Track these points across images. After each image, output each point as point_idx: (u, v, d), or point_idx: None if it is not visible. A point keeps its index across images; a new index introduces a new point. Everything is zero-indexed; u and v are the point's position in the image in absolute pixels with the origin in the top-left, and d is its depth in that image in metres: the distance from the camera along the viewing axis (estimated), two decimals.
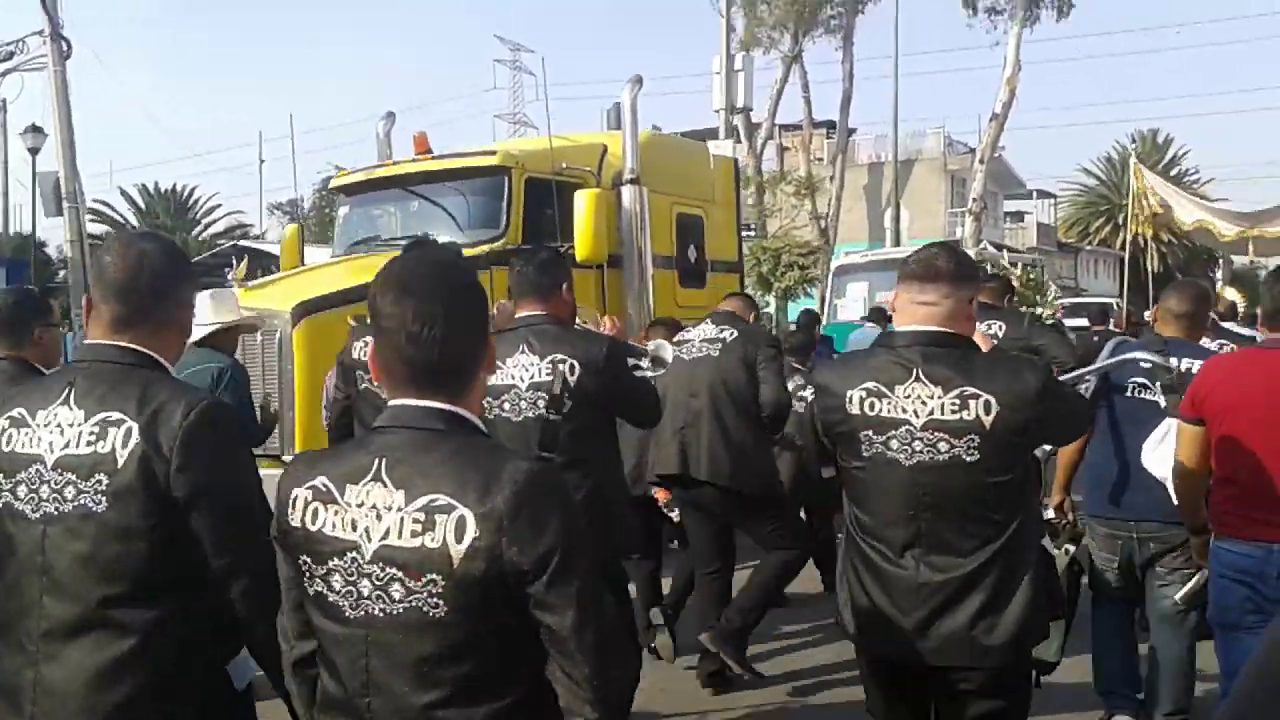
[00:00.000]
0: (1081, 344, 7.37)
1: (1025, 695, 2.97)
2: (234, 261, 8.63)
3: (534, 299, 3.72)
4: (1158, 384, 3.99)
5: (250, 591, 2.06)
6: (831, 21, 32.32)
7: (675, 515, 5.54)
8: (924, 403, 2.75)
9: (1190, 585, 3.93)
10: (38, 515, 2.05)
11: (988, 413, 2.70)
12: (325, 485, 1.75)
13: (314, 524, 1.75)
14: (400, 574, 1.68)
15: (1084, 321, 16.99)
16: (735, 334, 5.06)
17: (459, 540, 1.65)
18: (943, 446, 2.73)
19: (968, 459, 2.72)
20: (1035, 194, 46.98)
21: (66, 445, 2.04)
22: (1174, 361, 3.99)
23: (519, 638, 1.71)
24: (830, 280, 16.48)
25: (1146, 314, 14.81)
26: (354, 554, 1.71)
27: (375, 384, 4.14)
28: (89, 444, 2.02)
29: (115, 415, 2.03)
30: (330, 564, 1.73)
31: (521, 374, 3.59)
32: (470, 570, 1.65)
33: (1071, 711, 4.51)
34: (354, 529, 1.71)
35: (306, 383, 6.38)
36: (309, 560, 1.77)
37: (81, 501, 2.02)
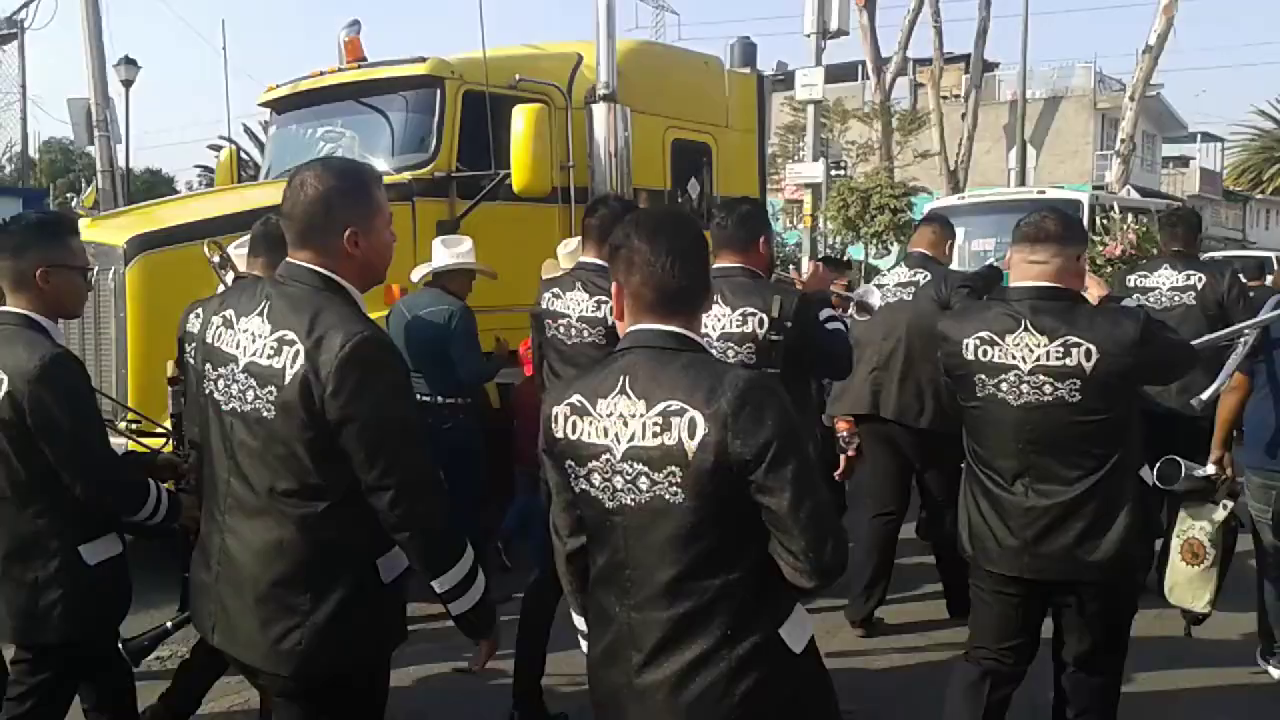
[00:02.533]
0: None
1: (1130, 610, 3.33)
2: (84, 185, 7.64)
3: (731, 251, 3.77)
4: None
5: (393, 503, 2.27)
6: None
7: (851, 450, 5.53)
8: (1031, 350, 3.05)
9: None
10: (228, 409, 2.36)
11: (1089, 359, 2.99)
12: (580, 401, 2.12)
13: (574, 434, 2.13)
14: (645, 468, 2.02)
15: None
16: (928, 276, 5.13)
17: (691, 437, 1.97)
18: (1047, 389, 3.04)
19: (1070, 400, 3.02)
20: (1200, 137, 42.94)
21: (256, 353, 2.30)
22: None
23: (745, 520, 2.01)
24: None
25: None
26: (607, 456, 2.07)
27: (560, 332, 4.20)
28: (269, 357, 2.28)
29: (290, 335, 2.27)
30: (590, 465, 2.11)
31: (714, 324, 3.66)
32: (703, 461, 1.96)
33: (1221, 666, 4.63)
34: (606, 435, 2.07)
35: (141, 334, 5.30)
36: (573, 464, 2.15)
37: (256, 406, 2.29)
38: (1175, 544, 4.10)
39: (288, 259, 2.39)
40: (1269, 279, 16.80)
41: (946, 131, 30.00)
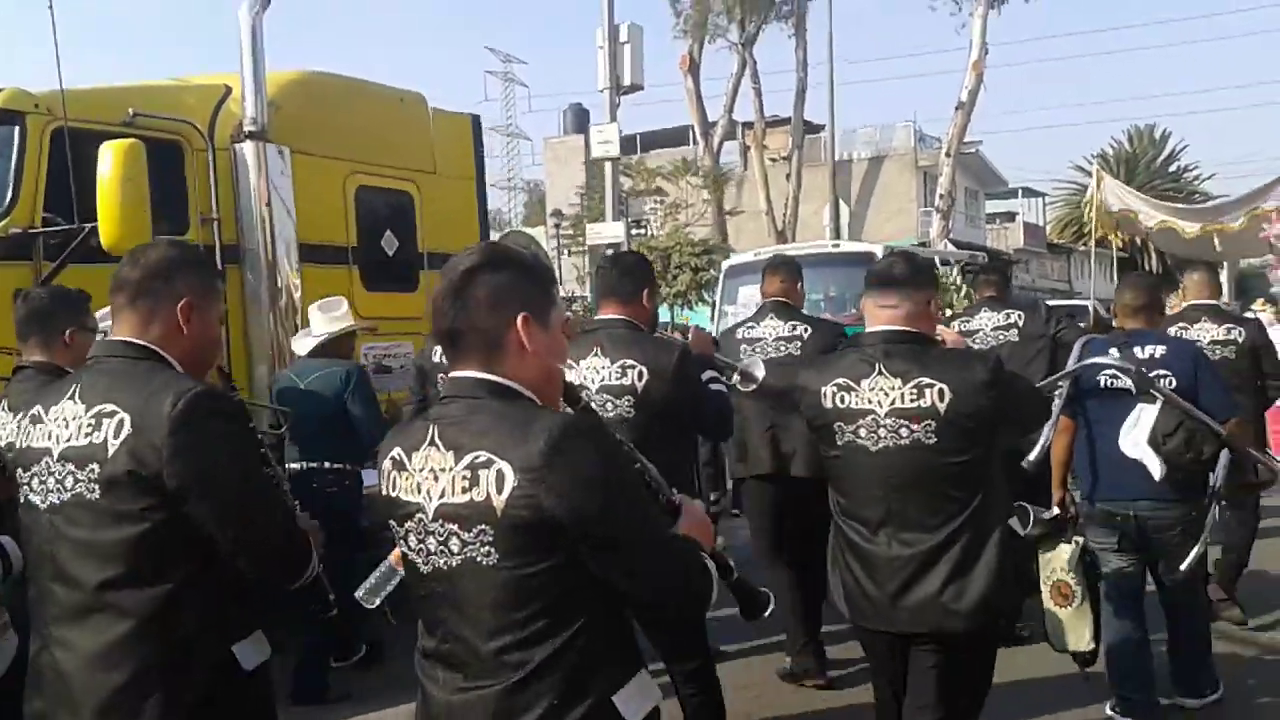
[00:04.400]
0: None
1: (990, 660, 3.28)
2: None
3: (614, 301, 3.76)
4: (1127, 373, 4.19)
5: (255, 564, 2.16)
6: (783, 8, 29.76)
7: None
8: (886, 394, 3.06)
9: (1193, 555, 4.18)
10: (45, 506, 2.15)
11: (942, 400, 3.00)
12: (399, 454, 1.92)
13: (393, 490, 1.92)
14: (455, 528, 1.81)
15: None
16: (810, 329, 5.10)
17: (500, 491, 1.75)
18: (904, 432, 3.03)
19: (927, 442, 3.01)
20: (1022, 192, 44.31)
21: (70, 437, 2.11)
22: (1137, 350, 4.28)
23: (568, 579, 1.79)
24: (722, 283, 13.86)
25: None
26: (420, 514, 1.86)
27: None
28: (86, 435, 2.09)
29: (109, 407, 2.09)
30: (406, 525, 1.89)
31: (593, 376, 3.66)
32: (513, 519, 1.75)
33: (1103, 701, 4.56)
34: (419, 492, 1.86)
35: None
36: (394, 524, 1.94)
37: (78, 491, 2.09)
38: (1044, 591, 4.20)
39: (102, 338, 2.27)
40: (1081, 325, 16.71)
41: (774, 192, 29.89)
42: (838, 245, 13.58)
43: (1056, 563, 4.17)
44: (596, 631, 1.84)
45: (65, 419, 2.14)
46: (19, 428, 2.26)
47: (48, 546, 2.14)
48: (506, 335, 1.88)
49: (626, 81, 16.23)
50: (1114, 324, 4.70)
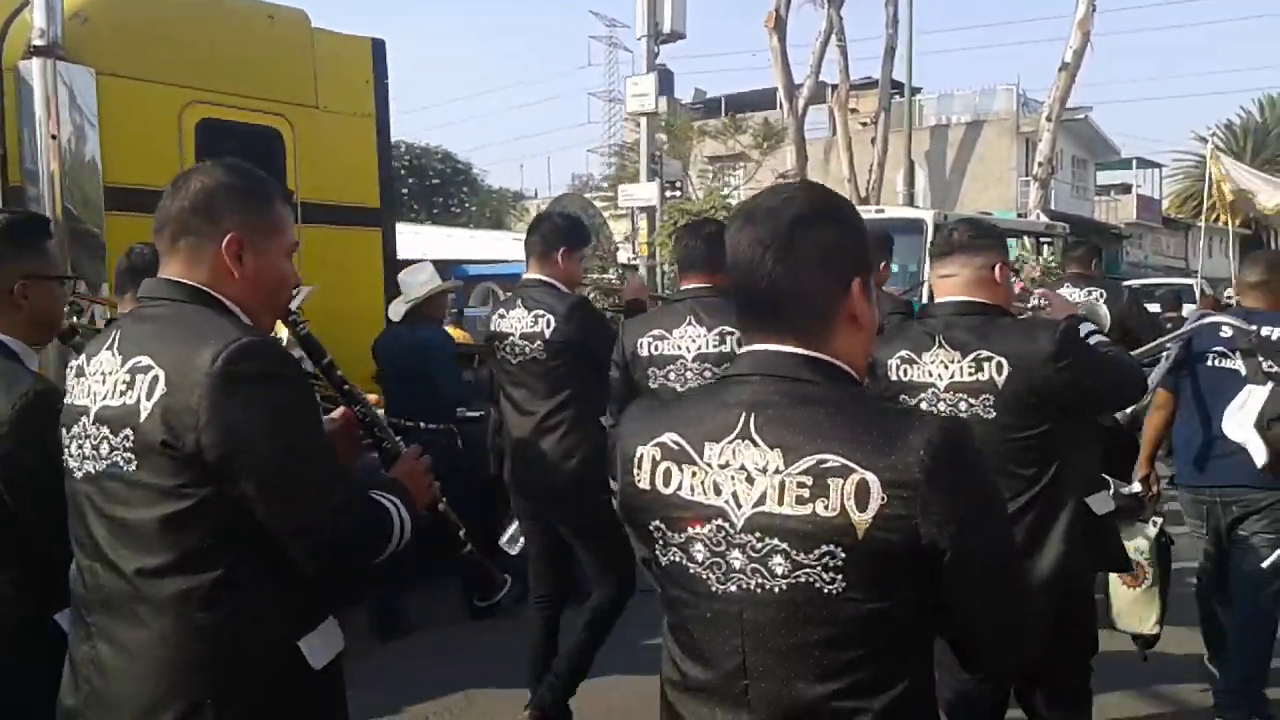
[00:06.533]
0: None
1: (1080, 614, 3.13)
2: None
3: (702, 272, 3.79)
4: (1238, 352, 4.07)
5: (312, 549, 1.81)
6: None
7: None
8: (945, 366, 2.95)
9: (1277, 554, 3.98)
10: (81, 475, 1.88)
11: (1000, 373, 2.87)
12: (677, 442, 1.57)
13: (667, 486, 1.58)
14: (783, 544, 1.47)
15: (1155, 307, 13.50)
16: None
17: (862, 507, 1.43)
18: (963, 406, 2.92)
19: (985, 417, 2.88)
20: (1136, 162, 41.27)
21: (106, 395, 1.83)
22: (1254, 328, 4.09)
23: (919, 615, 1.50)
24: None
25: (1229, 292, 14.46)
26: (721, 521, 1.52)
27: (508, 352, 4.11)
28: (120, 394, 1.81)
29: (144, 361, 1.79)
30: (690, 532, 1.56)
31: (689, 345, 3.75)
32: (879, 541, 1.43)
33: (1182, 682, 4.57)
34: (719, 493, 1.53)
35: None
36: (663, 527, 1.59)
37: (114, 460, 1.80)
38: None
39: (150, 279, 1.91)
40: (1187, 308, 15.27)
41: (860, 158, 28.09)
42: (882, 211, 12.11)
43: (1132, 542, 4.00)
44: (927, 682, 1.55)
45: (103, 373, 1.85)
46: (69, 383, 1.99)
47: (85, 523, 1.86)
48: (839, 303, 1.57)
49: (667, 29, 14.94)
50: (1234, 303, 4.59)
